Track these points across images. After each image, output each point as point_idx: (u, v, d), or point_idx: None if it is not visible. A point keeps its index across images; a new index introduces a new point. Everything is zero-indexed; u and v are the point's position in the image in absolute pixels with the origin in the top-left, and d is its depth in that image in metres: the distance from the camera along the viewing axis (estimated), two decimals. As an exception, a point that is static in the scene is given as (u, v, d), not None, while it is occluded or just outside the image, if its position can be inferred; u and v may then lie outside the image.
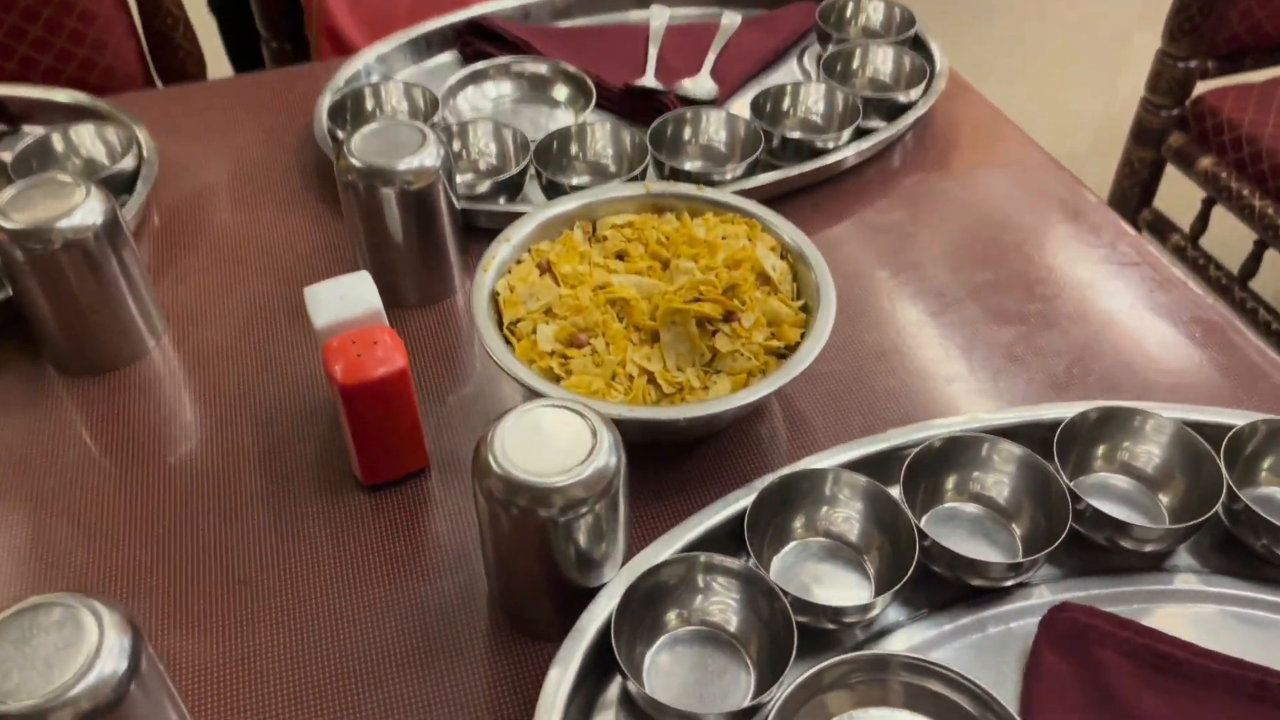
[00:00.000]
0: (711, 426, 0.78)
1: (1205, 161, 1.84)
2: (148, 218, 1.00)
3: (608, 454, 0.62)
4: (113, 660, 0.51)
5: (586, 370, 0.75)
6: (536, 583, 0.66)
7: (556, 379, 0.76)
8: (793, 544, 0.71)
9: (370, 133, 0.87)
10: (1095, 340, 0.88)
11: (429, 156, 0.85)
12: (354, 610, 0.70)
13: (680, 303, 0.76)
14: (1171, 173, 1.94)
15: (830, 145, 1.01)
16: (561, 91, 1.13)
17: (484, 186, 0.96)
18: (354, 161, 0.84)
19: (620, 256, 0.84)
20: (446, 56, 1.21)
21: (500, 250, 0.82)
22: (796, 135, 1.02)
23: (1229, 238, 1.92)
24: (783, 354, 0.78)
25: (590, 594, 0.65)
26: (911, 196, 1.03)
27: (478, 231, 0.96)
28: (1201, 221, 1.92)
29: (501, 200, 0.97)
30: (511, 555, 0.65)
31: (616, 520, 0.64)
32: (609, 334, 0.77)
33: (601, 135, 1.02)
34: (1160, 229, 2.01)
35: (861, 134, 1.04)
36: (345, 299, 0.75)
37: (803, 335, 0.78)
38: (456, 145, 1.01)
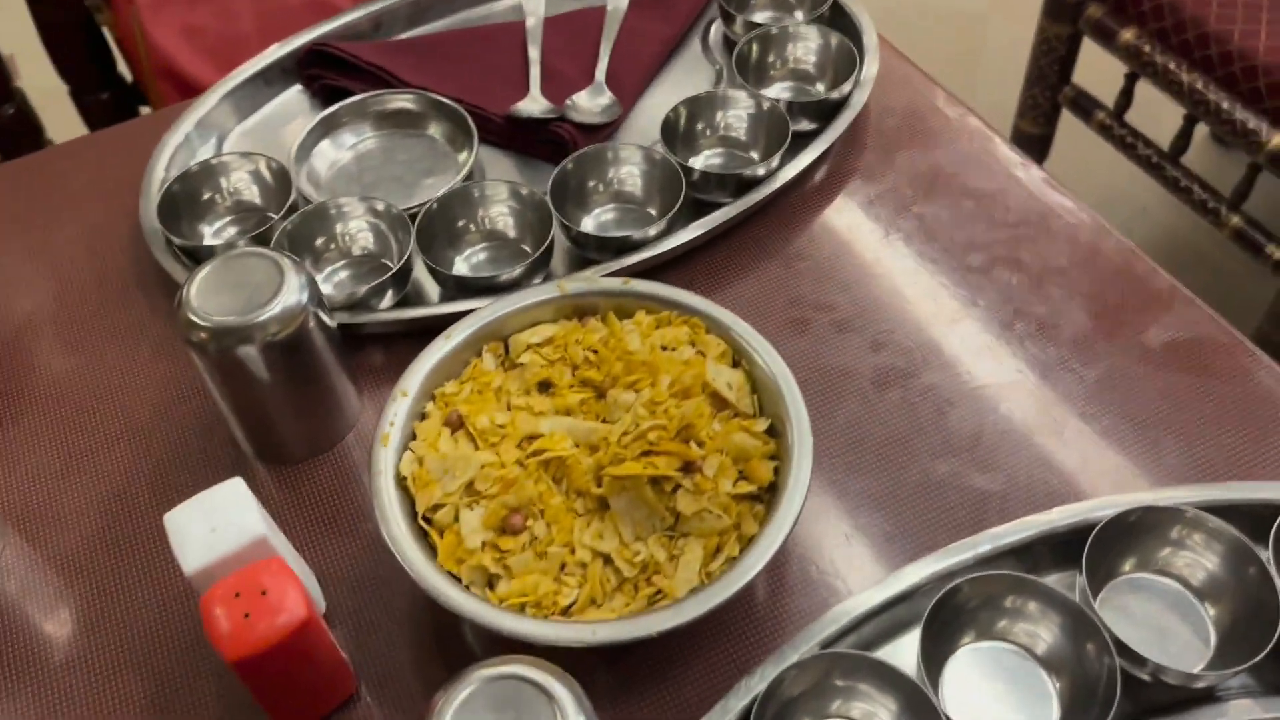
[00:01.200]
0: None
1: (1126, 35, 1.72)
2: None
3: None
4: None
5: (528, 567, 0.62)
6: None
7: (491, 581, 0.63)
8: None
9: (212, 276, 0.70)
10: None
11: (291, 293, 0.69)
12: None
13: (629, 464, 0.63)
14: (1090, 47, 1.82)
15: (760, 173, 0.87)
16: (436, 128, 0.96)
17: (363, 289, 0.80)
18: (198, 320, 0.68)
19: (545, 386, 0.70)
20: (295, 92, 1.02)
21: (398, 410, 0.68)
22: (719, 166, 0.87)
23: (1159, 112, 1.83)
24: (756, 495, 0.65)
25: None
26: (861, 208, 0.89)
27: (363, 342, 0.81)
28: (1125, 97, 1.81)
29: (389, 297, 0.82)
30: None
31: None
32: (549, 511, 0.64)
33: (493, 196, 0.85)
34: (1084, 106, 1.90)
35: (796, 139, 0.89)
36: (219, 529, 0.60)
37: (777, 470, 0.65)
38: (320, 238, 0.85)
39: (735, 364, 0.70)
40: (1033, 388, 0.77)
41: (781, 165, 0.87)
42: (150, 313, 0.86)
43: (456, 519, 0.64)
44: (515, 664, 0.52)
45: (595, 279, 0.74)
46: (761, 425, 0.67)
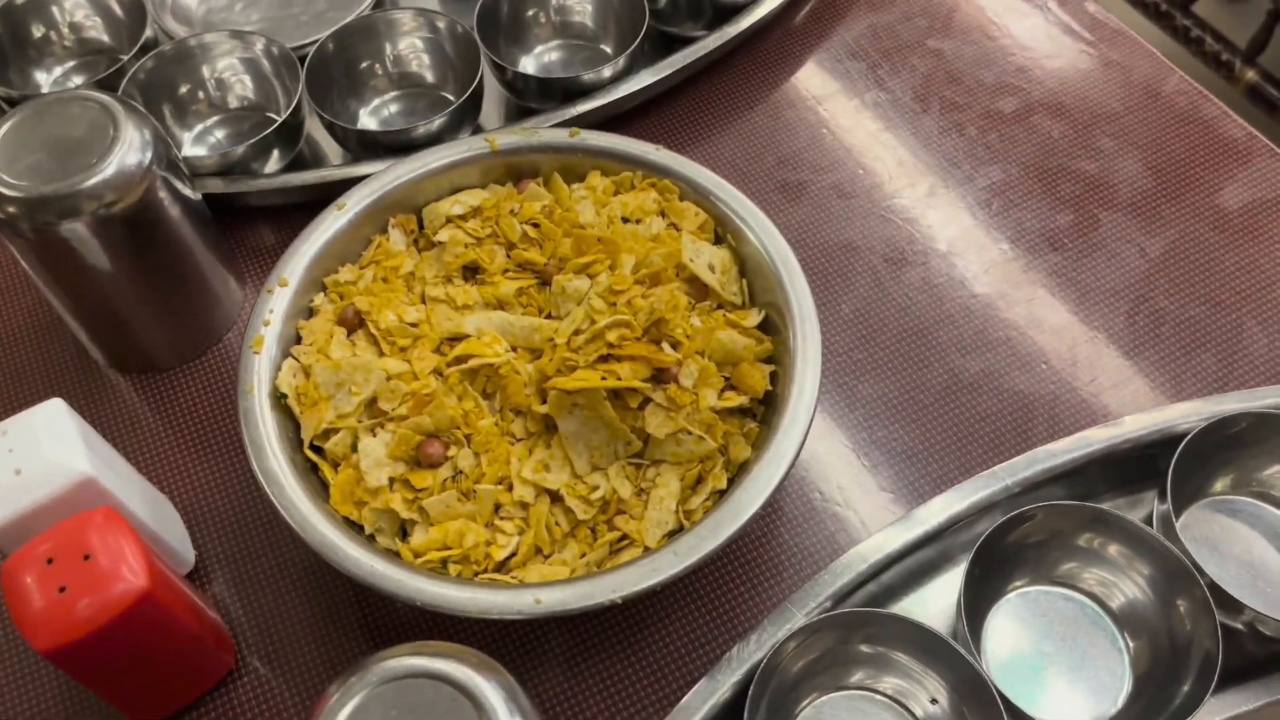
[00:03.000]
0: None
1: None
2: None
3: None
4: None
5: (451, 510, 0.47)
6: None
7: (405, 528, 0.48)
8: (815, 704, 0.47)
9: (19, 130, 0.52)
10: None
11: (129, 149, 0.52)
12: None
13: (582, 373, 0.47)
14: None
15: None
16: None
17: (240, 149, 0.62)
18: (4, 190, 0.51)
19: (470, 273, 0.54)
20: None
21: (275, 305, 0.51)
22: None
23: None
24: (748, 409, 0.51)
25: None
26: (866, 42, 0.73)
27: (246, 215, 0.64)
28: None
29: (274, 159, 0.64)
30: None
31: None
32: (478, 436, 0.48)
33: (405, 29, 0.67)
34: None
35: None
36: (26, 470, 0.45)
37: (774, 377, 0.50)
38: (184, 86, 0.66)
39: (718, 240, 0.55)
40: (1083, 264, 0.62)
41: (768, -11, 0.70)
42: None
43: (354, 449, 0.48)
44: (428, 655, 0.38)
45: (535, 131, 0.57)
46: (754, 319, 0.52)
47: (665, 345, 0.49)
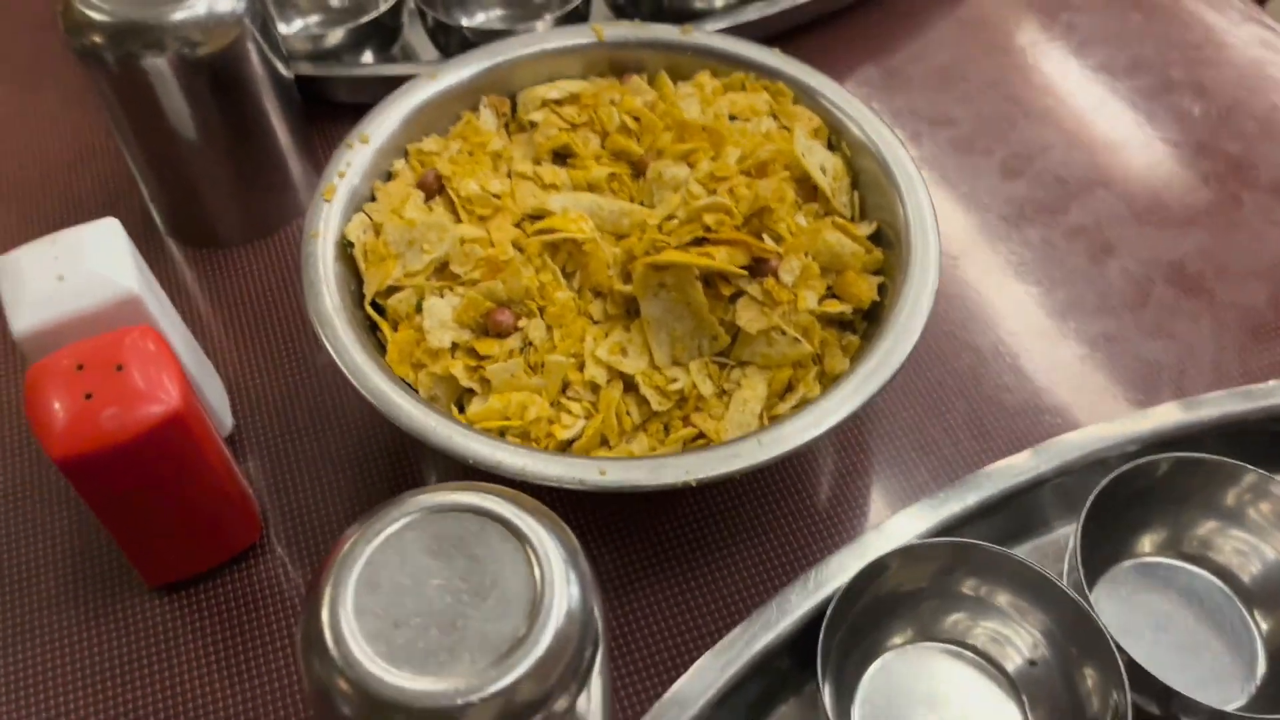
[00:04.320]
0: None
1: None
2: None
3: (566, 608, 0.31)
4: None
5: (515, 380, 0.43)
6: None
7: (459, 398, 0.43)
8: (891, 654, 0.41)
9: (116, -39, 0.50)
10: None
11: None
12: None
13: (674, 250, 0.43)
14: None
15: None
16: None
17: (335, 37, 0.60)
18: (92, 14, 0.48)
19: (561, 158, 0.50)
20: None
21: (354, 159, 0.48)
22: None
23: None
24: (847, 321, 0.46)
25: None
26: (1000, 7, 0.69)
27: (332, 111, 0.61)
28: None
29: (368, 56, 0.62)
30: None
31: (591, 708, 0.34)
32: (552, 309, 0.44)
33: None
34: None
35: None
36: (70, 278, 0.41)
37: (882, 289, 0.46)
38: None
39: (831, 148, 0.50)
40: (1222, 239, 0.56)
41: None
42: (63, 51, 0.66)
43: (419, 310, 0.44)
44: (475, 492, 0.33)
45: (645, 25, 0.54)
46: (865, 230, 0.47)
47: (766, 238, 0.45)
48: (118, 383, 0.38)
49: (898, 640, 0.42)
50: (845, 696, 0.41)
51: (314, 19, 0.66)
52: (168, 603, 0.45)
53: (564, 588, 0.31)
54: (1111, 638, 0.38)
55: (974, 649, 0.42)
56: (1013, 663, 0.41)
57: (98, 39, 0.49)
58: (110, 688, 0.42)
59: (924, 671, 0.42)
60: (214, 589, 0.45)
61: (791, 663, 0.42)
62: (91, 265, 0.42)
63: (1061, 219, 0.58)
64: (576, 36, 0.53)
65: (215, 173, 0.55)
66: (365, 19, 0.60)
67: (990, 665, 0.41)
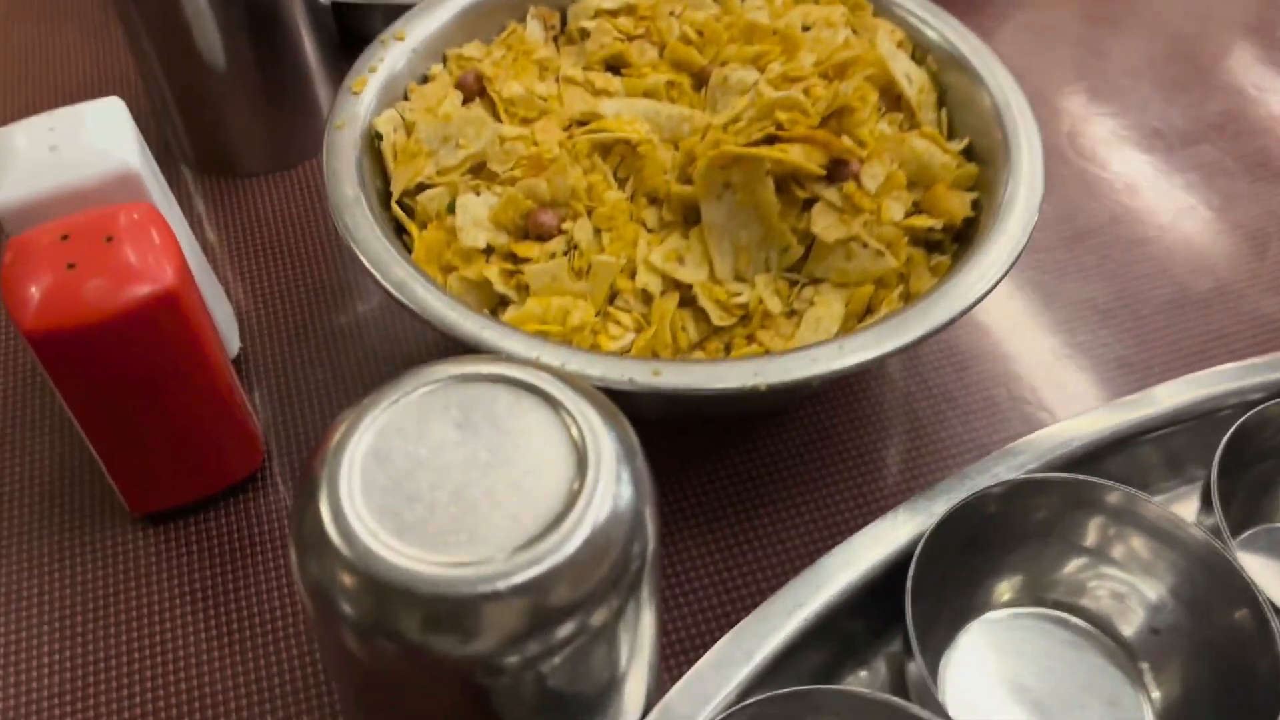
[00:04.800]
0: (804, 394, 0.42)
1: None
2: None
3: (612, 502, 0.25)
4: None
5: (557, 284, 0.37)
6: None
7: (497, 303, 0.38)
8: (985, 621, 0.35)
9: None
10: None
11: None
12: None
13: (740, 143, 0.38)
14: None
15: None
16: None
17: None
18: (110, -104, 0.45)
19: (615, 69, 0.46)
20: None
21: (387, 55, 0.44)
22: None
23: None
24: (935, 239, 0.40)
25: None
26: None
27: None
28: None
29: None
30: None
31: (636, 640, 0.28)
32: (601, 209, 0.39)
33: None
34: None
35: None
36: (63, 149, 0.37)
37: (976, 205, 0.40)
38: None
39: (916, 62, 0.45)
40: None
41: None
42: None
43: (451, 210, 0.39)
44: (512, 364, 0.27)
45: (711, -62, 0.49)
46: (957, 145, 0.42)
47: (847, 137, 0.39)
48: (107, 254, 0.33)
49: (994, 600, 0.36)
50: (929, 670, 0.35)
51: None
52: (152, 534, 0.39)
53: (611, 481, 0.25)
54: (1267, 599, 0.31)
55: (1085, 612, 0.35)
56: (1132, 628, 0.35)
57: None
58: (82, 623, 0.37)
59: (1026, 640, 0.35)
60: (205, 522, 0.40)
61: (863, 625, 0.36)
62: (89, 139, 0.37)
63: (1174, 155, 0.52)
64: (634, -52, 0.49)
65: (240, 97, 0.50)
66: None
67: (1103, 634, 0.35)
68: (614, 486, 0.25)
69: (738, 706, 0.30)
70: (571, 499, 0.25)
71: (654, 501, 0.27)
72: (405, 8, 0.55)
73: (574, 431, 0.26)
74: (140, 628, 0.37)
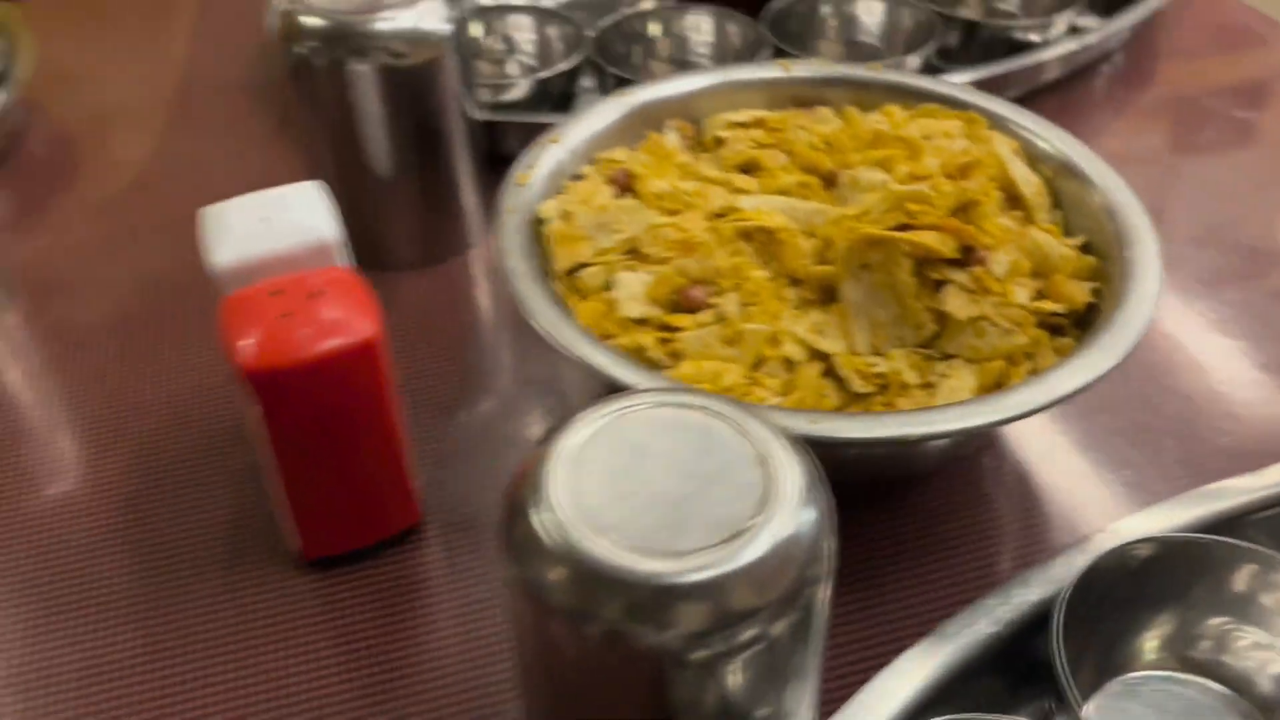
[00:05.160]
0: (950, 452, 0.44)
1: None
2: (14, 142, 0.67)
3: (797, 510, 0.27)
4: None
5: (708, 350, 0.40)
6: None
7: (652, 367, 0.41)
8: (1128, 681, 0.36)
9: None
10: None
11: (431, 16, 0.52)
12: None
13: (879, 227, 0.42)
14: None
15: (1038, 39, 0.67)
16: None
17: (518, 90, 0.62)
18: (308, 20, 0.51)
19: (749, 170, 0.50)
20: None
21: (547, 156, 0.48)
22: (1005, 13, 0.68)
23: None
24: (1056, 324, 0.43)
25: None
26: (1161, 114, 0.68)
27: (503, 164, 0.62)
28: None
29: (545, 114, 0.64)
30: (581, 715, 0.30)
31: (805, 663, 0.30)
32: (747, 287, 0.42)
33: (694, 24, 0.68)
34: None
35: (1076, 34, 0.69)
36: (272, 221, 0.41)
37: (1096, 293, 0.43)
38: (476, 34, 0.68)
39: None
40: None
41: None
42: (251, 104, 0.70)
43: (608, 288, 0.43)
44: (703, 395, 0.30)
45: (831, 63, 0.54)
46: (1073, 241, 0.45)
47: (975, 229, 0.43)
48: (314, 308, 0.37)
49: (1133, 659, 0.37)
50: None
51: (496, 71, 0.68)
52: (319, 579, 0.42)
53: (796, 503, 0.28)
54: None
55: (1227, 672, 0.36)
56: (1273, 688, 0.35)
57: (311, 45, 0.51)
58: (251, 656, 0.39)
59: (1166, 703, 0.36)
60: (367, 570, 0.42)
61: (1002, 683, 0.37)
62: (293, 214, 0.42)
63: (1260, 283, 0.55)
64: (762, 71, 0.54)
65: (400, 199, 0.56)
66: (545, 74, 0.62)
67: (1244, 697, 0.36)
68: (798, 509, 0.28)
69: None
70: (759, 511, 0.27)
71: (833, 534, 0.29)
72: (542, 126, 0.61)
73: (762, 453, 0.28)
74: (305, 661, 0.39)
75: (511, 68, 0.68)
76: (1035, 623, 0.36)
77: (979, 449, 0.46)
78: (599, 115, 0.51)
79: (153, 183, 0.65)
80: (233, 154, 0.66)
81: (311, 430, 0.38)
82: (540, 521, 0.27)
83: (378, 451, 0.40)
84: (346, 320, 0.37)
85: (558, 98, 0.64)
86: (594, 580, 0.26)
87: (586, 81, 0.66)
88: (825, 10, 0.69)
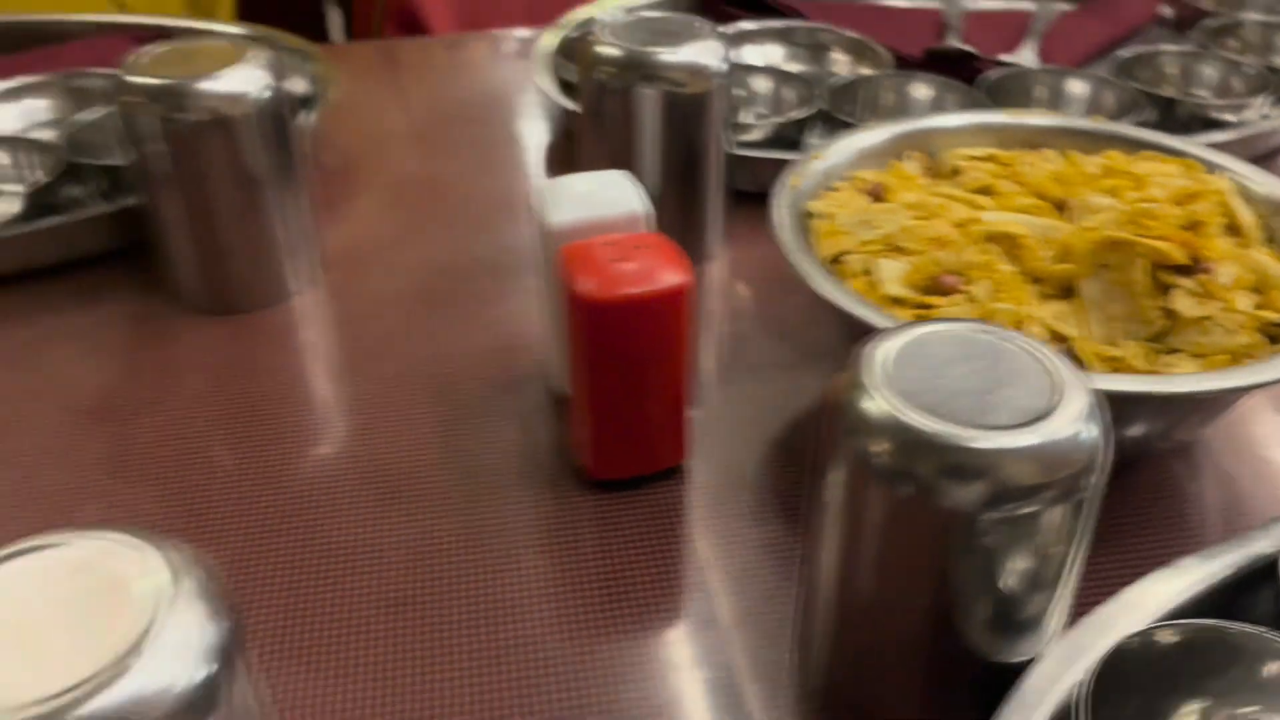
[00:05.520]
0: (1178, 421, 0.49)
1: None
2: (314, 151, 0.79)
3: (1082, 415, 0.33)
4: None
5: (963, 325, 0.47)
6: (911, 638, 0.37)
7: (912, 336, 0.48)
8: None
9: (629, 20, 0.63)
10: None
11: (710, 54, 0.61)
12: (567, 660, 0.41)
13: (1118, 233, 0.48)
14: None
15: (1233, 119, 0.73)
16: (840, 62, 0.88)
17: (758, 132, 0.71)
18: (606, 50, 0.60)
19: (986, 194, 0.57)
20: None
21: (811, 168, 0.56)
22: (1201, 96, 0.74)
23: None
24: (1275, 334, 0.48)
25: (1002, 674, 0.35)
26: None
27: (738, 195, 0.71)
28: None
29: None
30: (875, 581, 0.36)
31: (1077, 539, 0.35)
32: (995, 278, 0.49)
33: (915, 89, 0.76)
34: None
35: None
36: (594, 196, 0.50)
37: (1311, 310, 0.48)
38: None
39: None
40: None
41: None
42: (505, 140, 0.81)
43: (867, 273, 0.50)
44: (988, 325, 0.37)
45: (1058, 116, 0.61)
46: (1286, 267, 0.50)
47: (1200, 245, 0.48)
48: (639, 257, 0.45)
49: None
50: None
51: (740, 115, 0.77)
52: (600, 497, 0.49)
53: (1083, 404, 0.33)
54: None
55: None
56: None
57: (607, 71, 0.60)
58: (544, 551, 0.46)
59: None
60: (640, 495, 0.49)
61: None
62: (610, 192, 0.50)
63: None
64: (991, 116, 0.61)
65: (662, 198, 0.64)
66: (782, 119, 0.71)
67: None
68: (1085, 408, 0.33)
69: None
70: (1053, 404, 0.33)
71: (1109, 442, 0.34)
72: (783, 162, 0.69)
73: (1048, 367, 0.34)
74: (597, 565, 0.46)
75: (747, 116, 0.77)
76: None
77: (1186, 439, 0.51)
78: (854, 141, 0.59)
79: (436, 184, 0.75)
80: (500, 175, 0.76)
81: (624, 360, 0.45)
82: (869, 402, 0.34)
83: (667, 390, 0.47)
84: (665, 270, 0.45)
85: (788, 144, 0.72)
86: (914, 445, 0.33)
87: (815, 134, 0.74)
88: (1037, 84, 0.76)
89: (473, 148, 0.80)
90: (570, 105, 0.75)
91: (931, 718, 0.38)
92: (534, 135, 0.83)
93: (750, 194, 0.62)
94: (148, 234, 0.61)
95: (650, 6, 0.95)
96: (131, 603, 0.26)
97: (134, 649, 0.25)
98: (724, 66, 0.61)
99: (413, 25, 1.27)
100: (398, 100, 0.89)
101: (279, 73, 0.59)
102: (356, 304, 0.63)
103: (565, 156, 0.78)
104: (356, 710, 0.40)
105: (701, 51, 0.61)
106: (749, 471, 0.50)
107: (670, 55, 0.60)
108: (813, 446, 0.37)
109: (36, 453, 0.52)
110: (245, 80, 0.57)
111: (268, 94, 0.58)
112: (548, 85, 0.79)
